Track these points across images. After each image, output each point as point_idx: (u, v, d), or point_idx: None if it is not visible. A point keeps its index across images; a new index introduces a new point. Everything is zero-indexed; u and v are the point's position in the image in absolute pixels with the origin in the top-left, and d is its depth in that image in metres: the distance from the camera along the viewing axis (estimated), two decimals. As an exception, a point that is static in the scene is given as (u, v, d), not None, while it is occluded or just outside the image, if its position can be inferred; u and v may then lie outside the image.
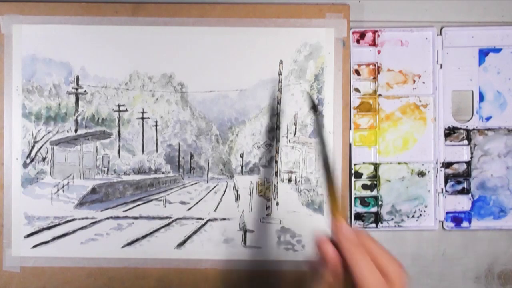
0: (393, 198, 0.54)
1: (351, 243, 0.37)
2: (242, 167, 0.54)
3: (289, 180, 0.54)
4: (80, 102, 0.53)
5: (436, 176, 0.54)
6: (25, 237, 0.53)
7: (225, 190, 0.54)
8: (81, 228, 0.53)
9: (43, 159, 0.53)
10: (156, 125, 0.54)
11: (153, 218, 0.54)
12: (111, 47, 0.53)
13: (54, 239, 0.53)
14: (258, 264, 0.53)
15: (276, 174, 0.54)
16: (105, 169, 0.54)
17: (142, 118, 0.54)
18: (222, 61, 0.53)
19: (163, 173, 0.54)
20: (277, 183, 0.54)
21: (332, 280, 0.37)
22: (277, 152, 0.54)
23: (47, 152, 0.53)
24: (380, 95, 0.54)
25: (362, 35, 0.54)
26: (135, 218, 0.54)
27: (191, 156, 0.54)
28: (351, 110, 0.54)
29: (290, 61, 0.53)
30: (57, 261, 0.53)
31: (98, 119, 0.54)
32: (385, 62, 0.54)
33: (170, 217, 0.54)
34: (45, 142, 0.53)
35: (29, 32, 0.53)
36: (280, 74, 0.53)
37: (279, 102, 0.54)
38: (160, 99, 0.54)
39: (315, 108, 0.49)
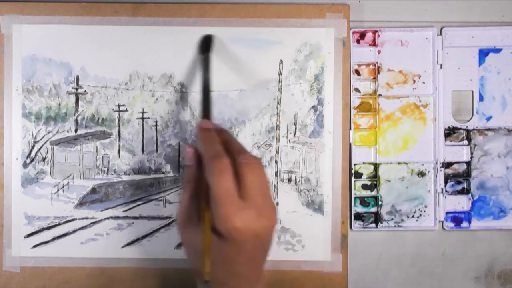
0: (393, 198, 0.54)
1: (203, 132, 0.40)
2: (242, 167, 0.54)
3: (289, 180, 0.54)
4: (80, 102, 0.53)
5: (436, 176, 0.54)
6: (25, 237, 0.53)
7: (225, 190, 0.54)
8: (81, 228, 0.53)
9: (43, 159, 0.53)
10: (156, 125, 0.54)
11: (153, 218, 0.54)
12: (111, 47, 0.53)
13: (54, 239, 0.53)
14: (258, 264, 0.53)
15: (276, 174, 0.54)
16: (105, 169, 0.54)
17: (142, 118, 0.54)
18: (222, 61, 0.53)
19: (163, 173, 0.54)
20: (277, 183, 0.54)
21: (189, 177, 0.40)
22: (277, 152, 0.54)
23: (47, 152, 0.53)
24: (380, 95, 0.54)
25: (362, 35, 0.54)
26: (135, 218, 0.54)
27: (191, 156, 0.54)
28: (351, 110, 0.54)
29: (290, 61, 0.53)
30: (57, 261, 0.53)
31: (98, 119, 0.54)
32: (385, 62, 0.54)
33: (170, 217, 0.54)
34: (45, 142, 0.53)
35: (29, 32, 0.53)
36: (280, 74, 0.53)
37: (279, 102, 0.54)
38: (160, 99, 0.54)
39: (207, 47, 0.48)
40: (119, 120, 0.54)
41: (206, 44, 0.48)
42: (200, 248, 0.37)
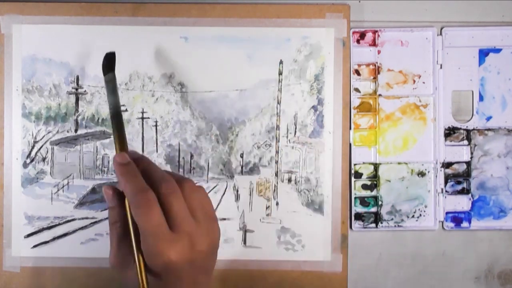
0: (393, 198, 0.54)
1: (122, 167, 0.38)
2: (242, 167, 0.54)
3: (289, 180, 0.54)
4: (80, 102, 0.53)
5: (436, 176, 0.54)
6: (25, 237, 0.53)
7: (225, 190, 0.54)
8: (81, 228, 0.53)
9: (43, 159, 0.53)
10: (156, 125, 0.54)
11: (153, 218, 0.54)
12: (111, 47, 0.53)
13: (54, 239, 0.53)
14: (258, 264, 0.53)
15: (276, 174, 0.54)
16: (105, 169, 0.54)
17: (142, 118, 0.54)
18: (222, 61, 0.53)
19: (163, 173, 0.54)
20: (277, 183, 0.54)
21: (115, 218, 0.38)
22: (277, 152, 0.54)
23: (47, 152, 0.53)
24: (380, 95, 0.54)
25: (362, 35, 0.54)
26: (135, 218, 0.54)
27: (191, 156, 0.54)
28: (351, 110, 0.54)
29: (290, 61, 0.53)
30: (57, 261, 0.53)
31: (98, 119, 0.54)
32: (385, 62, 0.54)
33: (170, 217, 0.54)
34: (45, 142, 0.53)
35: (29, 32, 0.53)
36: (280, 74, 0.53)
37: (279, 102, 0.54)
38: (160, 99, 0.54)
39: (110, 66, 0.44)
40: (119, 120, 0.54)
41: (109, 63, 0.44)
42: None
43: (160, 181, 0.36)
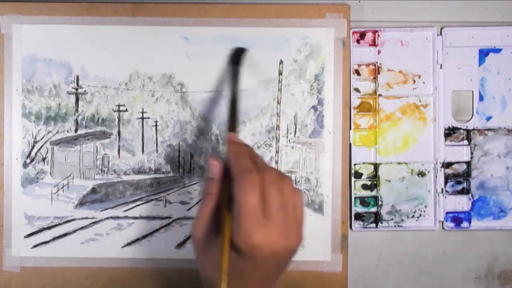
0: (393, 198, 0.54)
1: (234, 145, 0.39)
2: (242, 167, 0.54)
3: (289, 180, 0.54)
4: (80, 102, 0.53)
5: (436, 176, 0.54)
6: (25, 237, 0.53)
7: (225, 190, 0.54)
8: (81, 228, 0.53)
9: (43, 159, 0.53)
10: (156, 125, 0.54)
11: (153, 218, 0.54)
12: (111, 47, 0.53)
13: (54, 239, 0.53)
14: (258, 264, 0.53)
15: (276, 174, 0.54)
16: (105, 169, 0.54)
17: (142, 118, 0.54)
18: (222, 61, 0.53)
19: (163, 173, 0.54)
20: (277, 183, 0.54)
21: (212, 190, 0.39)
22: (277, 152, 0.54)
23: (47, 152, 0.53)
24: (380, 95, 0.54)
25: (362, 35, 0.54)
26: (135, 218, 0.54)
27: (191, 156, 0.54)
28: (351, 110, 0.54)
29: (290, 61, 0.53)
30: (57, 261, 0.53)
31: (98, 119, 0.54)
32: (385, 62, 0.54)
33: (170, 217, 0.54)
34: (45, 142, 0.53)
35: (29, 32, 0.53)
36: (280, 74, 0.53)
37: (279, 102, 0.54)
38: (160, 99, 0.54)
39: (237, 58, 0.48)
40: (119, 120, 0.54)
41: (237, 57, 0.48)
42: (216, 262, 0.36)
43: (265, 169, 0.37)
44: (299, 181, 0.54)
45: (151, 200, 0.54)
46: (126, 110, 0.54)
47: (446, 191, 0.54)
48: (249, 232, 0.35)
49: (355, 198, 0.54)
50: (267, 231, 0.35)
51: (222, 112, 0.54)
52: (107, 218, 0.54)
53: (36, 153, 0.53)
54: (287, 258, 0.38)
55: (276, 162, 0.54)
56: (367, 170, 0.54)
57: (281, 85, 0.54)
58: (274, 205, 0.36)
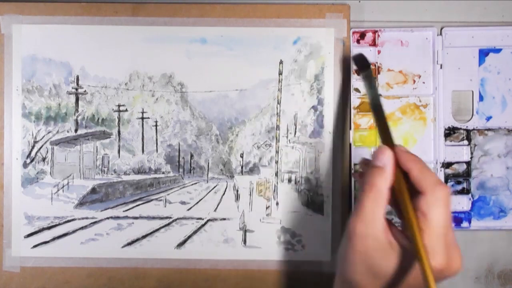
0: (393, 198, 0.54)
1: (416, 158, 0.36)
2: (242, 167, 0.54)
3: (289, 180, 0.54)
4: (80, 102, 0.53)
5: (436, 176, 0.54)
6: (25, 237, 0.53)
7: (225, 190, 0.54)
8: (81, 228, 0.53)
9: (43, 159, 0.53)
10: (156, 125, 0.54)
11: (153, 218, 0.54)
12: (111, 47, 0.53)
13: (54, 239, 0.53)
14: (258, 264, 0.53)
15: (276, 174, 0.54)
16: (105, 169, 0.54)
17: (142, 118, 0.54)
18: (222, 61, 0.53)
19: (163, 173, 0.55)
20: (277, 183, 0.54)
21: (381, 184, 0.35)
22: (277, 152, 0.54)
23: (47, 152, 0.53)
24: (380, 95, 0.54)
25: (362, 35, 0.54)
26: (135, 218, 0.54)
27: (191, 156, 0.54)
28: (351, 110, 0.54)
29: (290, 61, 0.53)
30: (57, 261, 0.53)
31: (98, 119, 0.54)
32: (385, 62, 0.54)
33: (170, 217, 0.54)
34: (45, 142, 0.53)
35: (29, 32, 0.53)
36: (280, 74, 0.53)
37: (279, 102, 0.54)
38: (160, 99, 0.54)
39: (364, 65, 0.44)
40: (119, 120, 0.54)
41: (362, 61, 0.45)
42: (381, 271, 0.33)
43: (437, 183, 0.34)
44: (299, 181, 0.54)
45: (151, 200, 0.54)
46: (126, 110, 0.54)
47: (446, 191, 0.54)
48: (440, 254, 0.32)
49: (355, 198, 0.54)
50: (451, 252, 0.33)
51: (222, 112, 0.54)
52: (107, 218, 0.54)
53: (36, 153, 0.53)
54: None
55: (276, 162, 0.54)
56: (367, 170, 0.54)
57: (281, 85, 0.54)
58: (451, 224, 0.34)
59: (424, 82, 0.54)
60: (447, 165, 0.54)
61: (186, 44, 0.53)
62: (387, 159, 0.35)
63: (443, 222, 0.32)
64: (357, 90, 0.54)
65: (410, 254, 0.33)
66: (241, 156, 0.54)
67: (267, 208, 0.54)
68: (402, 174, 0.36)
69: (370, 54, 0.54)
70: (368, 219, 0.35)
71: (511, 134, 0.54)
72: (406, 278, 0.34)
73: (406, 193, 0.35)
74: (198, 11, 0.53)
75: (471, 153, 0.54)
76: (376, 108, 0.39)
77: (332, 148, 0.53)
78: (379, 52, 0.54)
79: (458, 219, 0.54)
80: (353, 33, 0.54)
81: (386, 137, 0.38)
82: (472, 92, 0.55)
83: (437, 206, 0.33)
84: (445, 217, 0.33)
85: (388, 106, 0.54)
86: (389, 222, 0.37)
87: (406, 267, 0.33)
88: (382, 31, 0.54)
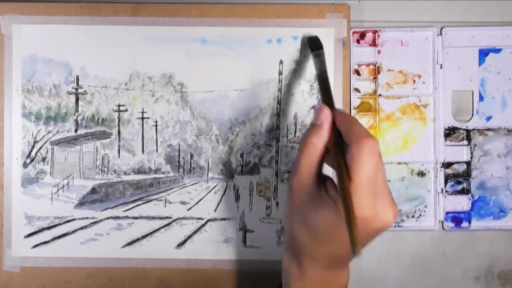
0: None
1: (347, 115, 0.37)
2: (242, 167, 0.54)
3: (289, 180, 0.54)
4: (80, 102, 0.53)
5: (436, 176, 0.54)
6: (25, 237, 0.53)
7: (225, 190, 0.54)
8: (81, 228, 0.53)
9: (43, 159, 0.53)
10: (156, 125, 0.54)
11: (153, 218, 0.54)
12: (111, 47, 0.53)
13: (54, 239, 0.53)
14: (258, 264, 0.53)
15: (276, 174, 0.54)
16: (105, 169, 0.54)
17: (142, 118, 0.54)
18: (222, 61, 0.53)
19: (163, 173, 0.55)
20: (277, 183, 0.54)
21: (317, 140, 0.36)
22: (277, 152, 0.54)
23: (47, 152, 0.53)
24: (380, 95, 0.54)
25: (362, 35, 0.54)
26: (135, 218, 0.54)
27: (191, 156, 0.54)
28: (351, 110, 0.54)
29: (290, 61, 0.53)
30: (57, 261, 0.53)
31: (98, 119, 0.54)
32: (385, 62, 0.54)
33: (170, 217, 0.54)
34: (45, 142, 0.53)
35: (29, 32, 0.53)
36: (280, 74, 0.53)
37: (279, 102, 0.54)
38: (160, 99, 0.54)
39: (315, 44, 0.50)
40: (119, 120, 0.54)
41: (316, 42, 0.50)
42: (311, 222, 0.34)
43: (363, 135, 0.34)
44: (299, 181, 0.54)
45: (151, 200, 0.54)
46: (126, 110, 0.54)
47: (446, 191, 0.54)
48: (366, 204, 0.33)
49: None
50: (380, 203, 0.33)
51: (222, 112, 0.54)
52: (107, 218, 0.54)
53: (36, 153, 0.53)
54: (380, 233, 0.36)
55: (276, 162, 0.54)
56: (367, 170, 0.54)
57: (281, 85, 0.54)
58: (383, 176, 0.34)
59: (424, 82, 0.54)
60: (447, 165, 0.55)
61: (186, 44, 0.53)
62: (323, 117, 0.36)
63: (368, 172, 0.32)
64: (357, 90, 0.54)
65: (341, 208, 0.34)
66: (241, 156, 0.54)
67: (267, 208, 0.54)
68: (339, 134, 0.37)
69: (370, 54, 0.54)
70: (302, 175, 0.36)
71: (511, 134, 0.54)
72: (339, 231, 0.34)
73: (336, 148, 0.35)
74: (198, 11, 0.53)
75: (471, 153, 0.54)
76: (323, 80, 0.45)
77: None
78: (379, 52, 0.54)
79: (458, 219, 0.54)
80: (353, 33, 0.54)
81: (326, 99, 0.41)
82: (472, 92, 0.55)
83: (362, 157, 0.32)
84: (371, 167, 0.32)
85: (388, 106, 0.54)
86: (328, 178, 0.38)
87: (338, 220, 0.34)
88: (382, 31, 0.54)
